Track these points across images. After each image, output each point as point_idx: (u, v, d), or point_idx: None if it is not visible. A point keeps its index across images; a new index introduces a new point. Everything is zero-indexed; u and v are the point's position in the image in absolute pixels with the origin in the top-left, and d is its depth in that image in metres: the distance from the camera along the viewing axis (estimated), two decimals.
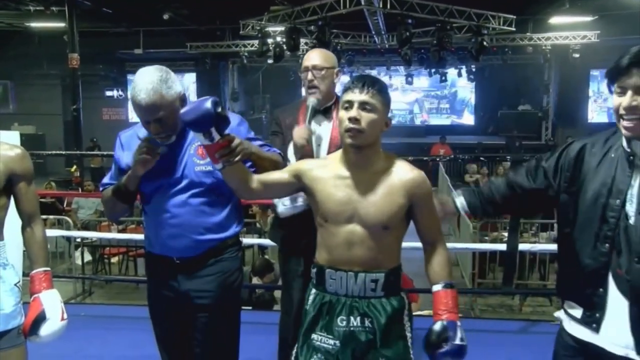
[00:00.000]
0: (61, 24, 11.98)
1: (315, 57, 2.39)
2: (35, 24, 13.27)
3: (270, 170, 1.90)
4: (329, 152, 2.31)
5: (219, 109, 1.67)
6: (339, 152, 1.82)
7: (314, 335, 1.79)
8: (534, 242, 5.70)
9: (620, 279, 1.51)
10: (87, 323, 3.57)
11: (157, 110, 1.85)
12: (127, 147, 2.03)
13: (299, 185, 1.83)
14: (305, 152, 2.28)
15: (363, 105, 1.70)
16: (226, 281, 2.03)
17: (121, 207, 2.07)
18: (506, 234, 6.09)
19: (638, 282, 1.48)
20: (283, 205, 2.35)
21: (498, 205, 1.89)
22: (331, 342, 1.76)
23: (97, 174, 11.81)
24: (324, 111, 2.39)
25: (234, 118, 2.00)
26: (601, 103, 16.63)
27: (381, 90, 1.73)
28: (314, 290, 1.84)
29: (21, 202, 1.94)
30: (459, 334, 1.68)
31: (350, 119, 1.69)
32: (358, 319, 1.75)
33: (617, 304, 1.53)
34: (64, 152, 10.95)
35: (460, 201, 1.90)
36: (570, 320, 1.67)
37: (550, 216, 7.10)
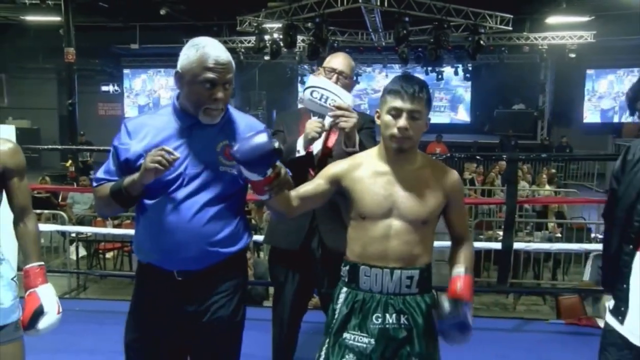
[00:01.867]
0: (57, 18, 11.92)
1: (344, 64, 2.40)
2: (31, 18, 13.21)
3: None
4: (323, 150, 2.30)
5: (276, 144, 1.56)
6: (376, 149, 1.82)
7: (345, 335, 1.76)
8: (529, 241, 5.72)
9: None
10: (81, 317, 3.57)
11: (230, 71, 1.75)
12: (135, 136, 1.81)
13: (337, 189, 1.81)
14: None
15: (412, 114, 1.69)
16: (232, 302, 1.85)
17: (116, 209, 1.85)
18: (501, 233, 6.12)
19: None
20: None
21: None
22: (365, 340, 1.73)
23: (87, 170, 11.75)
24: None
25: (260, 126, 1.89)
26: (595, 102, 16.68)
27: (428, 96, 1.72)
28: (345, 289, 1.80)
29: (14, 197, 1.92)
30: (469, 315, 1.70)
31: (400, 129, 1.69)
32: (394, 316, 1.74)
33: (637, 300, 1.65)
34: (59, 147, 10.92)
35: None
36: (607, 311, 1.79)
37: (545, 216, 7.15)
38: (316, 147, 2.31)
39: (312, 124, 2.22)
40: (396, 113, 1.70)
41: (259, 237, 4.06)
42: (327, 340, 1.80)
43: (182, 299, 1.80)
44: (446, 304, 1.70)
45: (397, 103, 1.69)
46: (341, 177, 1.80)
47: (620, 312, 1.70)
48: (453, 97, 19.04)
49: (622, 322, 1.70)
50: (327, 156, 2.25)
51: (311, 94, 2.19)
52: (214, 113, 1.77)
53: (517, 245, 4.40)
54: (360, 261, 1.77)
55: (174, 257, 1.77)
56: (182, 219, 1.75)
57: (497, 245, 4.58)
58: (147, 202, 1.79)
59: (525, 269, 6.02)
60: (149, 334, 1.87)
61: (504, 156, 5.26)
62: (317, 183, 1.82)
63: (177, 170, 1.75)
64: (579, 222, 6.76)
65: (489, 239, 6.11)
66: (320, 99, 2.17)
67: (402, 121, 1.68)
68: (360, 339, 1.74)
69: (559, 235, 6.31)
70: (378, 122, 1.78)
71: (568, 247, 5.07)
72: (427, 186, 1.76)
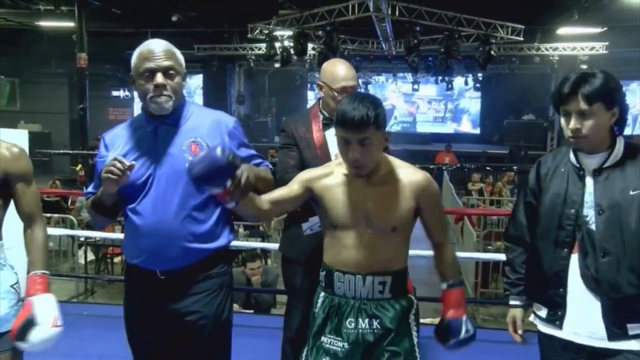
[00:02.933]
0: (70, 24, 12.06)
1: (353, 77, 2.33)
2: (45, 23, 13.36)
3: (264, 191, 1.83)
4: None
5: (231, 157, 1.56)
6: (340, 159, 1.82)
7: (323, 338, 1.80)
8: None
9: (588, 278, 1.68)
10: (90, 322, 3.58)
11: (169, 58, 1.79)
12: (111, 147, 1.88)
13: (309, 195, 1.82)
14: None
15: (362, 142, 1.67)
16: (215, 300, 1.87)
17: (102, 220, 1.94)
18: None
19: (606, 275, 1.66)
20: (310, 230, 2.28)
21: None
22: (340, 344, 1.77)
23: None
24: None
25: (229, 120, 1.93)
26: None
27: (376, 119, 1.66)
28: (322, 293, 1.85)
29: (20, 203, 1.85)
30: (463, 328, 1.78)
31: (352, 161, 1.69)
32: (366, 320, 1.77)
33: (578, 300, 1.71)
34: (71, 152, 10.98)
35: (518, 301, 1.94)
36: (539, 321, 1.84)
37: None
38: (333, 149, 2.28)
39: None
40: (345, 143, 1.69)
41: (267, 245, 4.06)
42: (307, 343, 1.86)
43: (167, 298, 1.84)
44: (447, 327, 1.79)
45: (345, 134, 1.67)
46: (312, 184, 1.81)
47: (557, 317, 1.76)
48: (456, 109, 18.99)
49: (560, 326, 1.76)
50: None
51: (311, 229, 2.26)
52: (158, 100, 1.79)
53: None
54: (334, 267, 1.80)
55: (155, 258, 1.81)
56: (158, 220, 1.79)
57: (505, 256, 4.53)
58: (126, 207, 1.84)
59: None
60: (140, 334, 1.91)
61: (514, 167, 5.23)
62: (290, 187, 1.84)
63: (147, 172, 1.80)
64: None
65: (497, 250, 6.07)
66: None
67: (354, 153, 1.67)
68: (336, 342, 1.78)
69: None
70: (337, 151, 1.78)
71: None
72: (397, 192, 1.76)
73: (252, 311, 4.53)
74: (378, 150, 1.72)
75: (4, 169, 1.80)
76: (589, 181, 1.71)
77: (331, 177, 1.81)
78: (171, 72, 1.80)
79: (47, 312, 1.75)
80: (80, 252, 6.51)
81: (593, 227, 1.68)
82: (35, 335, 1.71)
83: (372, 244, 1.75)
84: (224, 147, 1.58)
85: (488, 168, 11.16)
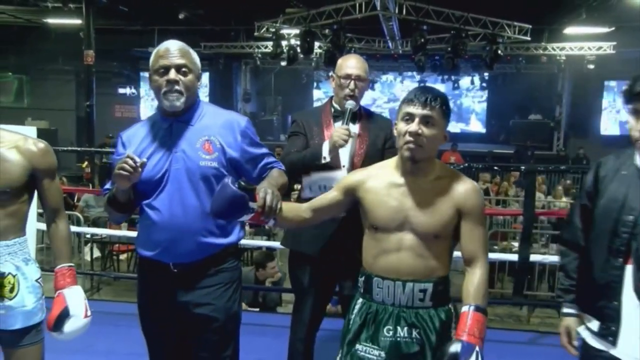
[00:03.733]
0: (78, 21, 12.10)
1: (360, 68, 2.37)
2: (52, 21, 13.40)
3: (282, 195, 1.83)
4: (351, 157, 2.31)
5: (238, 184, 1.62)
6: (394, 160, 1.81)
7: (358, 346, 1.76)
8: (544, 253, 5.65)
9: None
10: (96, 319, 3.57)
11: (183, 56, 1.87)
12: (128, 145, 1.95)
13: (353, 199, 1.81)
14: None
15: (425, 120, 1.67)
16: (226, 293, 1.93)
17: (119, 215, 1.99)
18: (515, 244, 6.06)
19: None
20: (310, 191, 2.30)
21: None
22: (376, 352, 1.72)
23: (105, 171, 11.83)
24: (352, 116, 2.38)
25: (242, 120, 1.98)
26: (615, 114, 16.50)
27: (443, 104, 1.69)
28: (360, 300, 1.81)
29: (45, 198, 1.94)
30: (473, 358, 1.57)
31: (411, 133, 1.66)
32: (405, 329, 1.71)
33: (632, 316, 1.56)
34: (79, 149, 11.01)
35: (572, 309, 1.81)
36: (588, 333, 1.70)
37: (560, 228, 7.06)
38: (342, 153, 2.30)
39: (339, 132, 2.22)
40: (409, 118, 1.68)
41: (273, 244, 4.06)
42: (341, 350, 1.81)
43: (179, 290, 1.89)
44: (453, 347, 1.58)
45: (410, 109, 1.69)
46: (356, 188, 1.80)
47: (610, 332, 1.61)
48: (460, 108, 18.91)
49: (614, 343, 1.60)
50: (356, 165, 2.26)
51: (310, 189, 2.25)
52: (170, 97, 1.86)
53: (533, 258, 4.35)
54: (373, 272, 1.76)
55: (169, 251, 1.87)
56: (173, 215, 1.85)
57: (512, 257, 4.54)
58: (142, 203, 1.91)
59: (540, 281, 5.96)
60: (153, 324, 1.98)
61: (522, 167, 5.20)
62: (332, 195, 1.84)
63: (163, 168, 1.87)
64: None
65: (503, 250, 6.06)
66: (323, 189, 2.18)
67: (414, 125, 1.66)
68: (372, 351, 1.72)
69: None
70: (395, 133, 1.76)
71: None
72: (441, 199, 1.72)
73: (258, 309, 4.54)
74: (437, 139, 1.70)
75: (33, 165, 1.88)
76: None
77: (376, 179, 1.79)
78: (184, 69, 1.87)
79: (79, 303, 1.88)
80: (87, 249, 6.53)
81: None
82: (70, 326, 1.86)
83: (413, 250, 1.71)
84: (231, 179, 1.64)
85: (496, 168, 11.09)
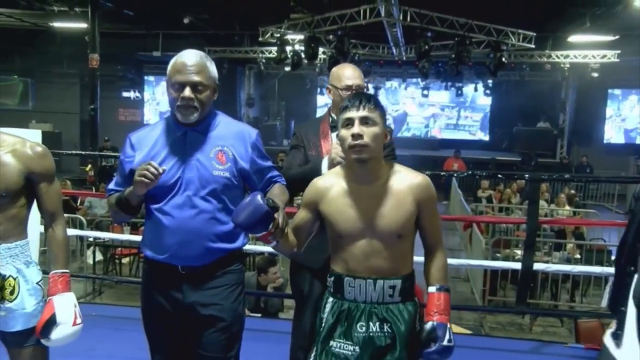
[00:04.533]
0: (83, 25, 12.15)
1: (358, 77, 2.41)
2: (58, 24, 13.47)
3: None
4: None
5: (270, 202, 1.69)
6: (338, 169, 1.88)
7: (332, 343, 1.82)
8: (547, 262, 5.64)
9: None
10: (98, 323, 3.58)
11: (199, 73, 1.87)
12: (138, 148, 1.97)
13: (319, 213, 1.87)
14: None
15: (364, 121, 1.75)
16: (233, 294, 1.97)
17: (125, 217, 2.01)
18: (518, 252, 6.05)
19: None
20: None
21: None
22: (350, 348, 1.79)
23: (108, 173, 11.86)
24: None
25: (252, 132, 2.02)
26: (619, 123, 16.49)
27: (377, 104, 1.79)
28: (331, 299, 1.87)
29: (42, 202, 1.93)
30: (447, 336, 1.75)
31: (354, 136, 1.74)
32: (377, 324, 1.79)
33: (631, 322, 1.63)
34: (83, 152, 11.07)
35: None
36: (609, 334, 1.76)
37: (563, 236, 7.05)
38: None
39: (337, 149, 2.23)
40: (349, 123, 1.76)
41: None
42: (315, 348, 1.87)
43: (185, 291, 1.92)
44: (429, 327, 1.75)
45: (347, 114, 1.77)
46: (317, 201, 1.86)
47: (617, 335, 1.70)
48: (466, 115, 18.91)
49: (618, 345, 1.70)
50: None
51: None
52: (184, 112, 1.88)
53: (537, 266, 4.34)
54: (344, 273, 1.82)
55: (178, 255, 1.90)
56: (184, 220, 1.88)
57: (515, 265, 4.52)
58: (152, 206, 1.93)
59: (543, 289, 5.94)
60: (158, 325, 1.98)
61: (526, 176, 5.20)
62: (302, 215, 1.90)
63: (176, 175, 1.89)
64: (599, 244, 6.66)
65: (506, 258, 6.05)
66: None
67: (355, 128, 1.74)
68: (346, 346, 1.79)
69: (578, 256, 6.22)
70: (337, 144, 1.87)
71: (589, 269, 4.96)
72: (398, 199, 1.79)
73: (259, 315, 4.54)
74: (379, 137, 1.77)
75: (29, 168, 1.88)
76: None
77: (332, 190, 1.84)
78: (200, 87, 1.88)
79: (68, 311, 1.86)
80: (89, 253, 6.55)
81: None
82: (58, 333, 1.84)
83: (379, 252, 1.78)
84: (261, 194, 1.70)
85: (500, 176, 11.07)
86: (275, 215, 1.71)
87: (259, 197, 1.68)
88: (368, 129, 1.75)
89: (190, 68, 1.86)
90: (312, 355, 1.87)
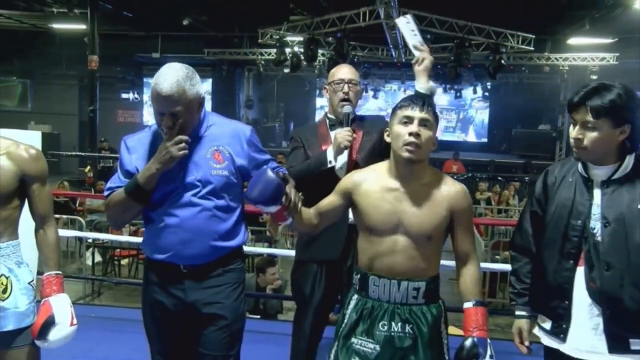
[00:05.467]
0: (82, 26, 12.16)
1: (350, 72, 2.46)
2: (57, 26, 13.48)
3: None
4: (349, 159, 2.34)
5: (281, 173, 1.70)
6: (386, 163, 1.88)
7: (353, 339, 1.83)
8: None
9: (594, 290, 1.67)
10: (97, 324, 3.59)
11: (175, 104, 1.80)
12: (133, 151, 1.96)
13: (350, 202, 1.88)
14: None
15: (423, 122, 1.76)
16: (234, 292, 1.98)
17: (135, 210, 1.93)
18: None
19: (608, 287, 1.65)
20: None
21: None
22: (371, 346, 1.79)
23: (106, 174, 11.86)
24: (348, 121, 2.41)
25: (246, 129, 2.02)
26: None
27: (435, 111, 1.80)
28: (355, 296, 1.88)
29: (34, 204, 1.93)
30: (488, 351, 1.72)
31: (412, 134, 1.74)
32: (399, 324, 1.79)
33: (582, 313, 1.70)
34: (82, 154, 11.06)
35: (524, 312, 1.90)
36: (543, 333, 1.82)
37: None
38: (340, 160, 2.32)
39: (342, 133, 2.28)
40: (408, 120, 1.76)
41: (275, 251, 4.06)
42: (336, 343, 1.87)
43: (188, 290, 1.93)
44: (469, 344, 1.71)
45: (408, 112, 1.77)
46: (351, 191, 1.87)
47: (561, 329, 1.73)
48: (465, 118, 18.93)
49: (563, 339, 1.74)
50: (355, 165, 2.29)
51: (407, 22, 2.43)
52: (166, 133, 1.86)
53: None
54: (369, 271, 1.83)
55: (180, 255, 1.90)
56: (185, 220, 1.89)
57: None
58: (152, 209, 1.93)
59: None
60: (159, 325, 1.98)
61: (526, 178, 5.20)
62: (331, 198, 1.91)
63: (174, 179, 1.89)
64: None
65: (505, 260, 6.04)
66: (413, 30, 2.42)
67: (414, 127, 1.75)
68: (367, 344, 1.80)
69: None
70: (388, 139, 1.83)
71: None
72: (433, 202, 1.80)
73: (258, 317, 4.53)
74: (431, 142, 1.79)
75: (23, 170, 1.89)
76: (597, 193, 1.70)
77: (370, 182, 1.85)
78: (178, 114, 1.82)
79: (65, 311, 1.87)
80: (88, 254, 6.53)
81: (599, 239, 1.66)
82: (56, 334, 1.84)
83: (407, 251, 1.79)
84: (272, 168, 1.69)
85: (500, 178, 11.09)
86: (287, 189, 1.71)
87: (268, 170, 1.70)
88: (425, 132, 1.76)
89: (166, 99, 1.79)
90: (333, 350, 1.88)
